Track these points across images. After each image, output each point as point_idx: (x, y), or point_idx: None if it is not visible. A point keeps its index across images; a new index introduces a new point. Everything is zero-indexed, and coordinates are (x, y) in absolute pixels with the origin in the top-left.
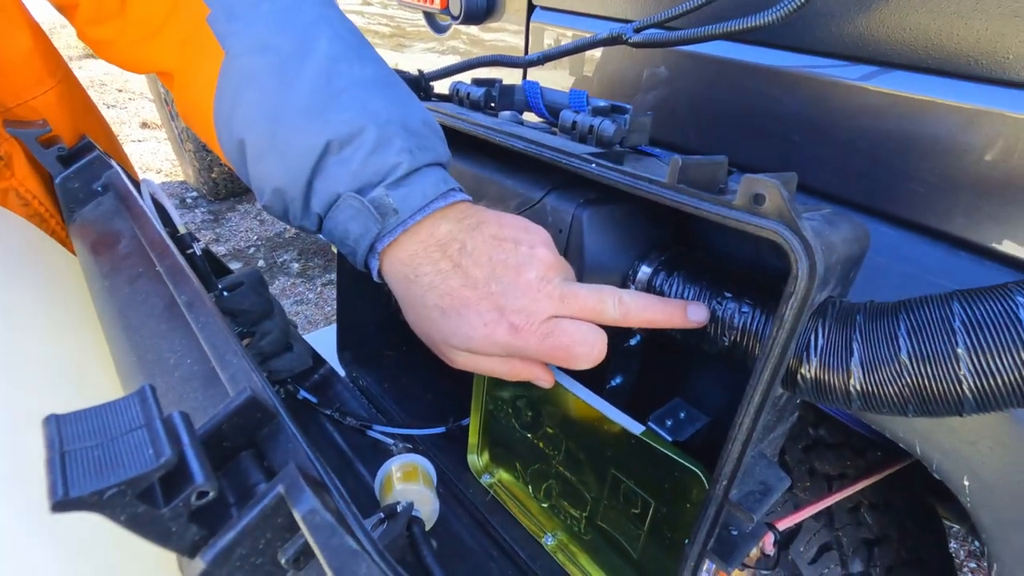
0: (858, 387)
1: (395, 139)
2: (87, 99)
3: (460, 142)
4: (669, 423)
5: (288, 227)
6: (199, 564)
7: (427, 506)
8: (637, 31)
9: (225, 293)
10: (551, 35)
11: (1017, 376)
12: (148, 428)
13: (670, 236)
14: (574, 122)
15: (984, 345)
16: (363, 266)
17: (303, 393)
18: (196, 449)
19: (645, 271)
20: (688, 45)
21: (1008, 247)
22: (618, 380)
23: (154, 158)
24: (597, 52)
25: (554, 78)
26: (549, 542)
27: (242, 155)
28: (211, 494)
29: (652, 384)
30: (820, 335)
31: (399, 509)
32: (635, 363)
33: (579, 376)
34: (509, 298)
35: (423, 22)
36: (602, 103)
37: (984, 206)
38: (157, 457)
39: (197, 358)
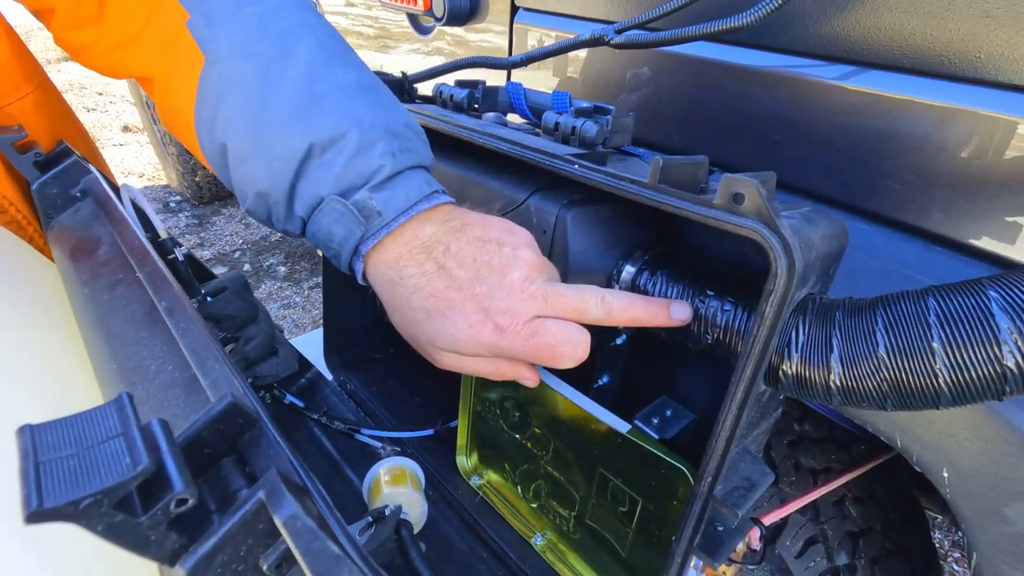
0: (838, 382)
1: (378, 142)
2: (64, 104)
3: (444, 144)
4: (655, 421)
5: (274, 231)
6: (179, 572)
7: (416, 509)
8: (619, 32)
9: (208, 298)
10: (534, 36)
11: (990, 369)
12: (125, 436)
13: (653, 235)
14: (557, 123)
15: (958, 339)
16: (347, 269)
17: (290, 398)
18: (175, 456)
19: (629, 270)
20: (669, 46)
21: (983, 242)
22: (605, 379)
23: (136, 162)
24: (580, 53)
25: (538, 79)
26: (538, 542)
27: (224, 159)
28: (191, 501)
29: (639, 383)
30: (801, 332)
31: (387, 513)
32: (621, 362)
33: (566, 376)
34: (494, 299)
35: (407, 23)
36: (585, 104)
37: (959, 202)
38: (134, 465)
39: (178, 364)
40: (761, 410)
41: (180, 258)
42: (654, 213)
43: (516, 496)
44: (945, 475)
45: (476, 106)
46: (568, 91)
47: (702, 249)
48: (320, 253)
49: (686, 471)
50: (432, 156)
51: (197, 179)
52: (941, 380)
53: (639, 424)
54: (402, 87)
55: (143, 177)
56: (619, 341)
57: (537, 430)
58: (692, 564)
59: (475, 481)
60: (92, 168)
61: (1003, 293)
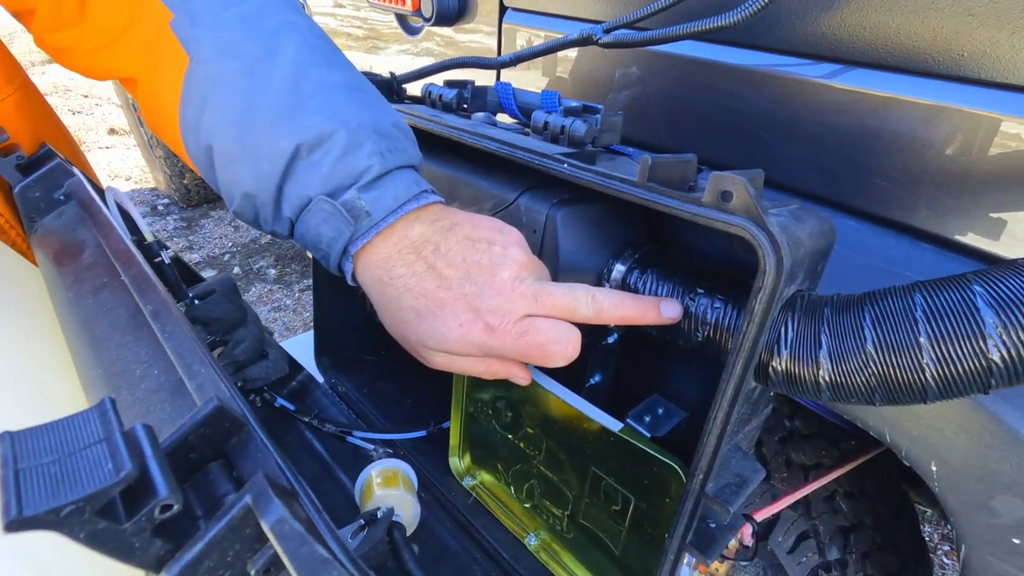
0: (827, 378)
1: (366, 142)
2: (46, 106)
3: (433, 144)
4: (647, 419)
5: (262, 233)
6: None
7: (408, 511)
8: (607, 32)
9: (196, 301)
10: (523, 36)
11: (976, 363)
12: (108, 442)
13: (643, 234)
14: (546, 123)
15: (944, 334)
16: (337, 270)
17: (280, 401)
18: (159, 461)
19: (619, 269)
20: (657, 45)
21: (968, 238)
22: (596, 378)
23: (123, 165)
24: (569, 53)
25: (527, 79)
26: (532, 542)
27: (210, 161)
28: (176, 507)
29: (630, 381)
30: (790, 328)
31: (379, 515)
32: (613, 361)
33: (558, 375)
34: (484, 298)
35: (395, 24)
36: (574, 103)
37: (944, 199)
38: (117, 471)
39: (164, 368)
40: (751, 407)
41: (167, 261)
42: (644, 212)
43: (509, 496)
44: (933, 469)
45: (465, 106)
46: (557, 91)
47: (692, 247)
48: (310, 255)
49: (678, 469)
50: (421, 156)
51: (185, 182)
52: (928, 374)
53: (631, 422)
54: (391, 87)
55: (130, 180)
56: (610, 340)
57: (529, 430)
58: (685, 561)
59: (468, 482)
60: (76, 171)
61: (988, 288)
